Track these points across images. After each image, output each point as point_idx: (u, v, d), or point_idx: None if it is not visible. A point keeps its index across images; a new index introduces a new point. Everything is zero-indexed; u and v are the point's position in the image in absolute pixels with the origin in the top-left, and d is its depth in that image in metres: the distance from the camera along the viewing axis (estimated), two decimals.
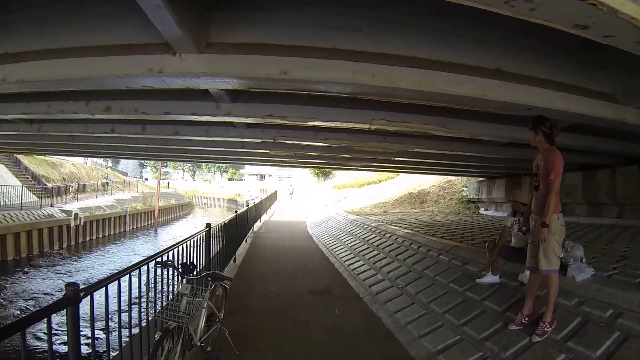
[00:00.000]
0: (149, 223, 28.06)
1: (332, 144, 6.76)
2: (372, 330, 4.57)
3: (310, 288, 6.31)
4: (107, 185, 30.22)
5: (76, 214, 19.39)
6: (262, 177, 74.25)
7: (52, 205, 19.82)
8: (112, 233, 23.23)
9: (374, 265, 7.16)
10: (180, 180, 77.47)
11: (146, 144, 9.50)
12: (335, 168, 13.76)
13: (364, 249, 8.53)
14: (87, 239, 20.52)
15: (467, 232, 8.47)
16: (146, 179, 71.45)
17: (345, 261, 8.19)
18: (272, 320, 4.74)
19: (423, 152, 8.90)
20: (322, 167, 13.42)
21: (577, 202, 11.25)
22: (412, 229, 8.92)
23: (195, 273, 3.17)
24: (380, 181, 26.97)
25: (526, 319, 3.84)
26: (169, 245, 3.61)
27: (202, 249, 5.02)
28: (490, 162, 10.22)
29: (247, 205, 11.39)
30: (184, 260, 3.72)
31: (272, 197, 26.74)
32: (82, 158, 42.18)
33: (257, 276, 7.01)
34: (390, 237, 8.54)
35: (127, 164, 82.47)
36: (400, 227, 9.53)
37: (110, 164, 76.81)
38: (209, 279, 3.27)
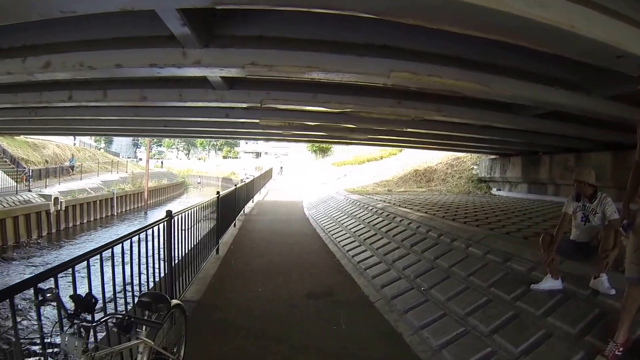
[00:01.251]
0: (139, 205, 26.74)
1: (334, 108, 5.39)
2: (394, 357, 3.36)
3: (308, 289, 5.08)
4: (72, 170, 25.85)
5: (56, 198, 17.97)
6: (258, 154, 72.93)
7: (29, 190, 18.37)
8: (97, 217, 21.89)
9: (384, 258, 5.92)
10: (175, 159, 76.76)
11: (116, 116, 8.12)
12: (335, 142, 12.38)
13: (370, 236, 7.29)
14: (70, 225, 19.16)
15: (491, 216, 7.24)
16: (140, 159, 70.31)
17: (348, 251, 6.96)
18: (259, 344, 3.49)
19: (442, 122, 7.60)
20: (321, 141, 12.04)
21: (605, 186, 10.24)
22: (426, 212, 7.68)
23: (94, 318, 1.79)
24: (381, 158, 25.61)
25: (621, 349, 2.64)
26: (82, 253, 2.26)
27: (162, 250, 3.75)
28: (512, 137, 8.94)
29: (236, 185, 10.05)
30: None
31: (267, 175, 25.41)
32: (71, 139, 40.57)
33: (243, 273, 5.78)
34: (401, 221, 7.29)
35: (121, 145, 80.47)
36: (411, 209, 8.28)
37: (103, 145, 75.37)
38: (116, 329, 1.82)
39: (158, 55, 3.89)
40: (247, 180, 14.05)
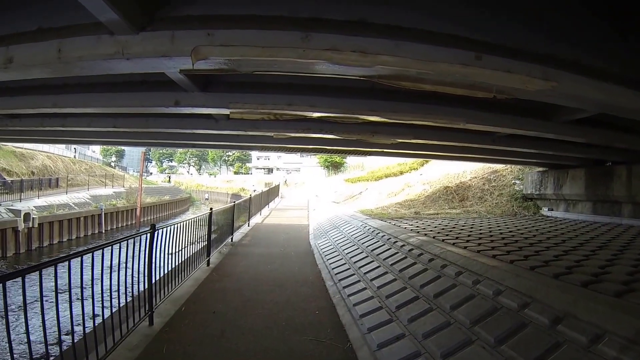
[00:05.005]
0: (131, 222, 24.29)
1: (350, 63, 2.52)
2: None
3: None
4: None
5: (27, 214, 15.57)
6: (270, 170, 70.58)
7: None
8: (81, 235, 19.46)
9: None
10: (186, 174, 75.80)
11: (32, 107, 5.58)
12: (350, 151, 9.46)
13: (407, 301, 4.35)
14: (45, 245, 16.79)
15: (606, 264, 4.27)
16: (151, 173, 69.35)
17: (371, 330, 4.04)
18: None
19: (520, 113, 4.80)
20: (330, 151, 9.14)
21: None
22: (493, 255, 4.72)
23: None
24: (401, 173, 22.59)
25: None
26: None
27: None
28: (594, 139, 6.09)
29: (212, 209, 7.28)
30: None
31: (272, 192, 22.65)
32: (72, 150, 38.85)
33: None
34: (458, 275, 4.35)
35: (133, 158, 79.33)
36: (464, 247, 5.31)
37: (114, 159, 74.85)
38: None
39: None
40: (238, 201, 11.29)
